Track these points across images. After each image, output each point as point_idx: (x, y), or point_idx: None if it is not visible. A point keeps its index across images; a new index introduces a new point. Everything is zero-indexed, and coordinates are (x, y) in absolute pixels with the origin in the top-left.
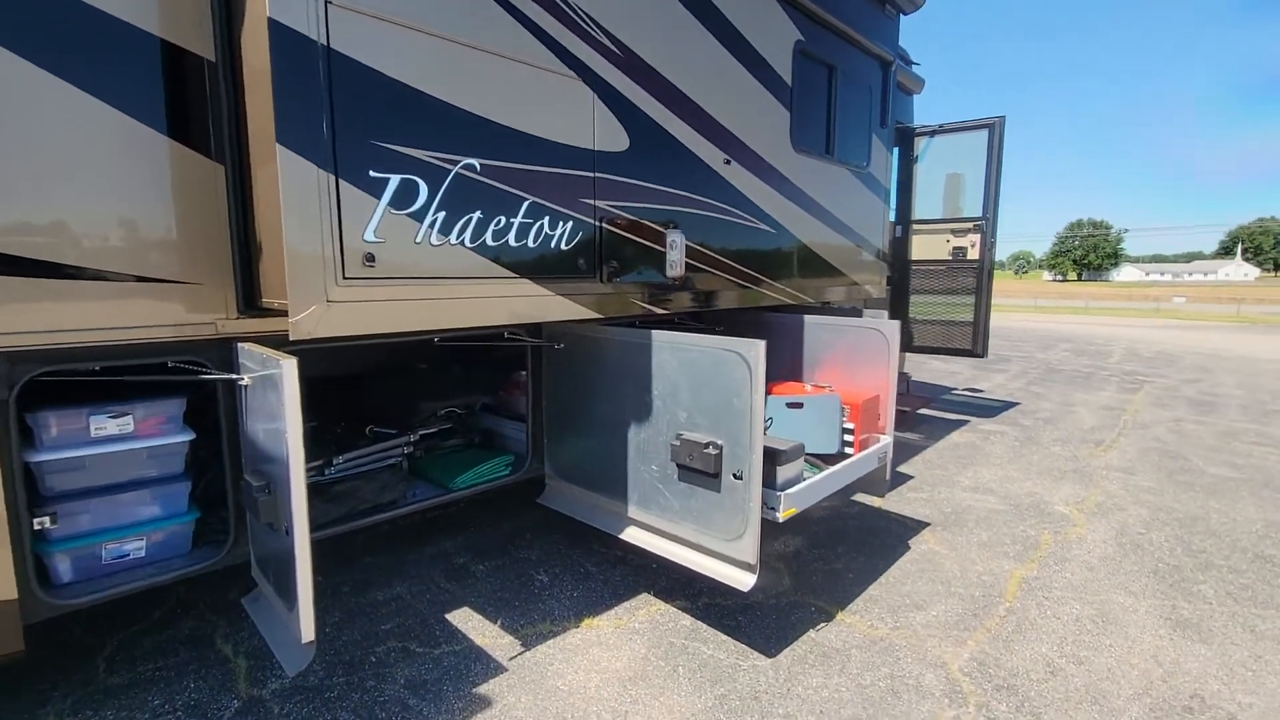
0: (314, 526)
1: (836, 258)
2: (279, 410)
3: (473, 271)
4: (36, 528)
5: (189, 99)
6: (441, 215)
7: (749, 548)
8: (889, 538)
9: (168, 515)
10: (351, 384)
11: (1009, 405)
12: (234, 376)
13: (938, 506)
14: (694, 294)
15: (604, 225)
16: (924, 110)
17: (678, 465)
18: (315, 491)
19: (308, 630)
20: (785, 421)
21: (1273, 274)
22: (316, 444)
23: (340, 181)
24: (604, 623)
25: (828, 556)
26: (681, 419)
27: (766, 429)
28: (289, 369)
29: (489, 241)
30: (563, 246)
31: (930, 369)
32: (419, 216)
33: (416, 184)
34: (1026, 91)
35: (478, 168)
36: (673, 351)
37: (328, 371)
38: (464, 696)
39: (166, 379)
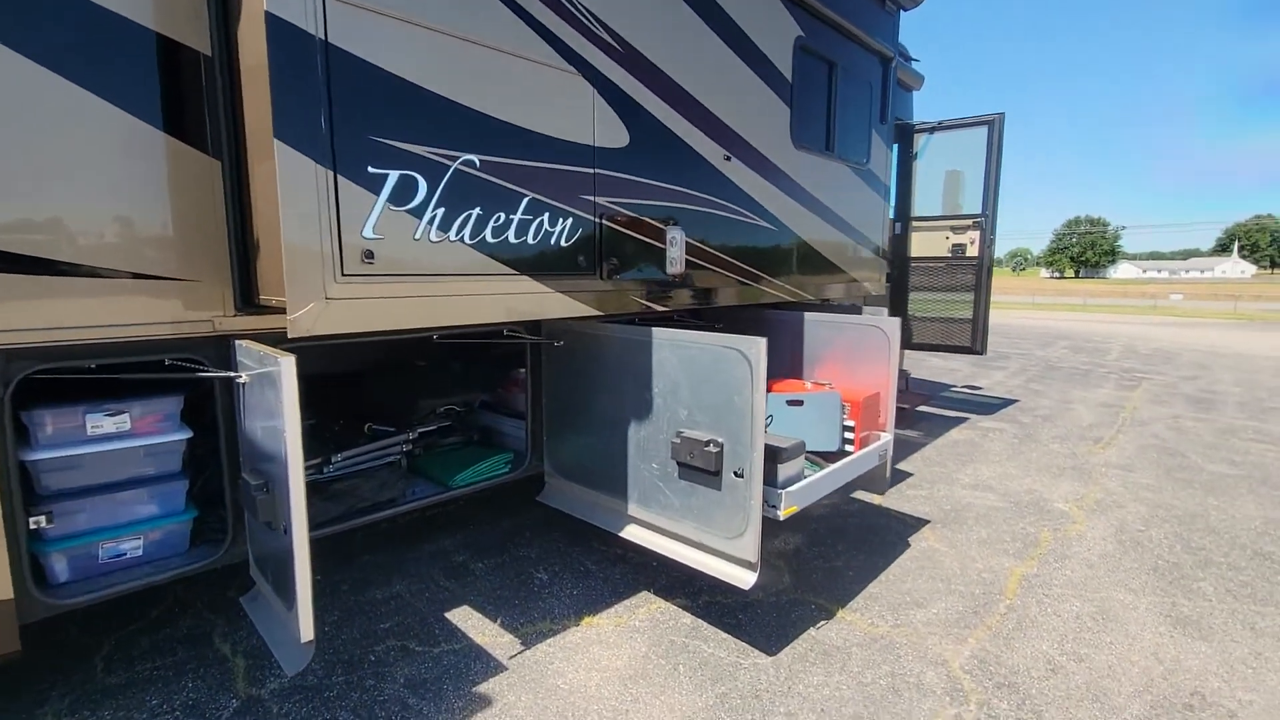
0: (313, 525)
1: (836, 255)
2: (277, 408)
3: (472, 268)
4: (32, 527)
5: (185, 94)
6: (441, 211)
7: (750, 546)
8: (889, 535)
9: (165, 514)
10: (350, 381)
11: (1008, 402)
12: (231, 374)
13: (937, 504)
14: (694, 291)
15: (604, 222)
16: (923, 108)
17: (678, 463)
18: (314, 490)
19: (307, 629)
20: (785, 419)
21: (1269, 271)
22: (315, 442)
23: (339, 177)
24: (604, 621)
25: (828, 554)
26: (682, 416)
27: (767, 426)
28: (287, 366)
29: (488, 238)
30: (562, 243)
31: (929, 366)
32: (418, 213)
33: (415, 180)
34: (1025, 90)
35: (477, 164)
36: (673, 349)
37: (326, 369)
38: (464, 695)
39: (163, 377)
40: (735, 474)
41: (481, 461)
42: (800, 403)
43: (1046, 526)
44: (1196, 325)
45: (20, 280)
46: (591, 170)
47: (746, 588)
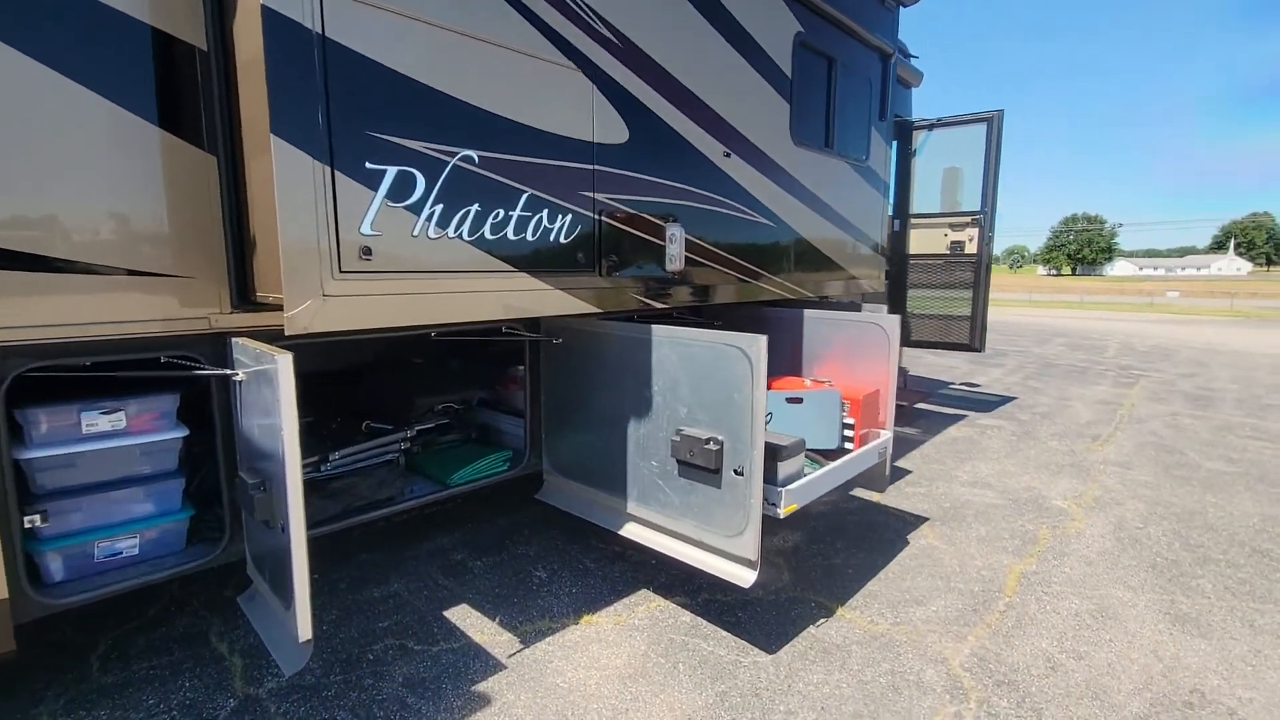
0: (310, 523)
1: (835, 252)
2: (274, 406)
3: (470, 265)
4: (27, 526)
5: (180, 88)
6: (439, 208)
7: (750, 544)
8: (888, 533)
9: (161, 513)
10: (347, 379)
11: (1006, 400)
12: (228, 372)
13: (936, 501)
14: (693, 288)
15: (603, 218)
16: (922, 105)
17: (678, 461)
18: (311, 488)
19: (305, 628)
20: (785, 416)
21: (1265, 268)
22: (312, 440)
23: (336, 173)
24: (603, 619)
25: (827, 552)
26: (682, 414)
27: (766, 424)
28: (284, 364)
29: (487, 235)
30: (561, 240)
31: (926, 363)
32: (416, 209)
33: (414, 176)
34: (1023, 88)
35: (476, 160)
36: (673, 346)
37: (323, 366)
38: (463, 694)
39: (159, 374)
40: (735, 472)
41: (480, 459)
42: (800, 400)
43: (1045, 524)
44: (1193, 322)
45: (12, 277)
46: (591, 167)
47: (747, 586)
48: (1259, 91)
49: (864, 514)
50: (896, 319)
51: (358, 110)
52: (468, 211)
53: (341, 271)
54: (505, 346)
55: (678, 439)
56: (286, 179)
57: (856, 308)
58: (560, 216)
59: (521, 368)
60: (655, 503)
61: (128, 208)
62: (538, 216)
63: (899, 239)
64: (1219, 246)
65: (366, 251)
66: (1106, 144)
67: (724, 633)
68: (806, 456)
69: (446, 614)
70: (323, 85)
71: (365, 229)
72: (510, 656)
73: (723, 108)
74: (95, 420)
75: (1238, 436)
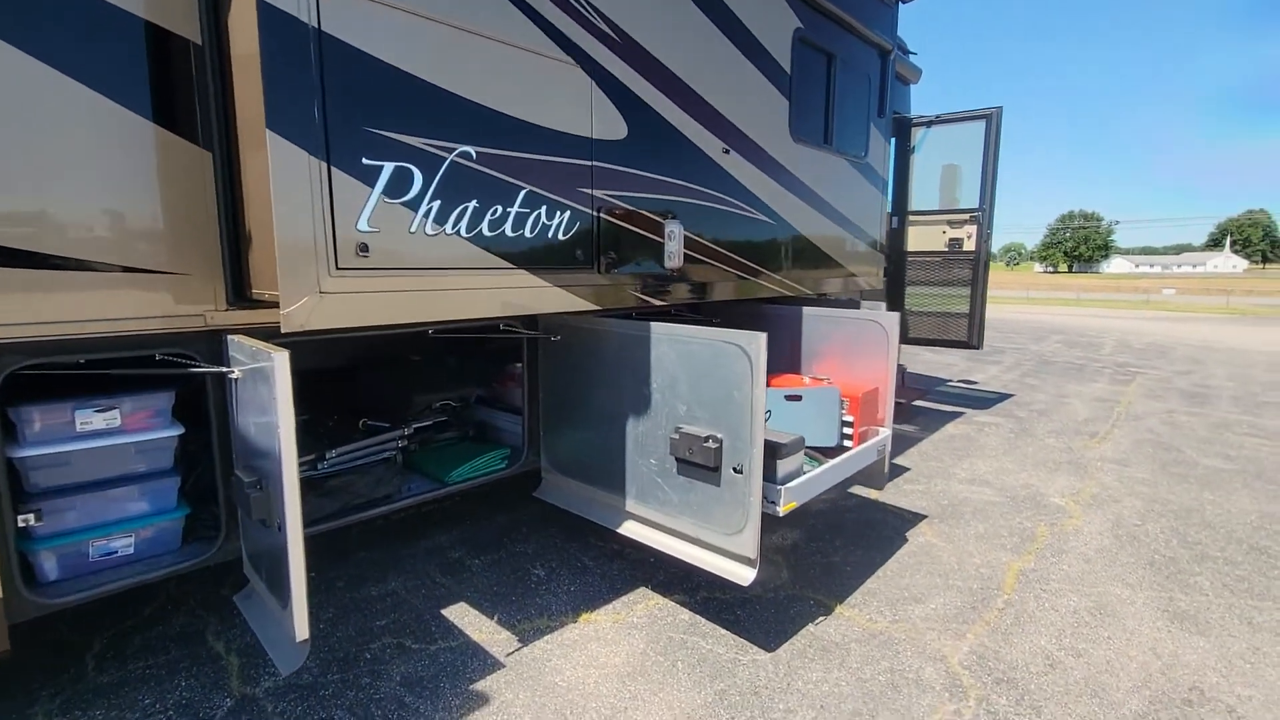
0: (307, 522)
1: (834, 249)
2: (270, 404)
3: (468, 262)
4: (21, 525)
5: (175, 84)
6: (437, 204)
7: (749, 542)
8: (886, 530)
9: (156, 511)
10: (344, 376)
11: (1003, 397)
12: (223, 369)
13: (934, 499)
14: (692, 285)
15: (601, 215)
16: (920, 102)
17: (676, 459)
18: (308, 486)
19: (301, 628)
20: (784, 414)
21: (1261, 266)
22: (308, 438)
23: (333, 169)
24: (602, 617)
25: (825, 549)
26: (681, 412)
27: (765, 422)
28: (281, 362)
29: (485, 231)
30: (560, 237)
31: (924, 360)
32: (414, 205)
33: (411, 172)
34: (1021, 86)
35: (474, 155)
36: (672, 344)
37: (320, 364)
38: (461, 693)
39: (154, 372)
40: (735, 470)
41: (478, 457)
42: (799, 398)
43: (1043, 521)
44: (1189, 320)
45: (5, 273)
46: (589, 163)
47: (746, 584)
48: (1257, 91)
49: (862, 511)
50: (895, 316)
51: (354, 106)
52: (465, 208)
53: (338, 268)
54: (503, 344)
55: (677, 437)
56: (282, 175)
57: (855, 305)
58: (558, 213)
59: (519, 365)
60: (654, 500)
61: (122, 204)
62: (536, 213)
63: (897, 236)
64: (1215, 244)
65: (363, 248)
66: (1104, 142)
67: (723, 631)
68: (806, 454)
69: (444, 612)
70: (319, 80)
71: (362, 225)
72: (508, 655)
73: (722, 104)
74: (90, 418)
75: (1235, 434)
